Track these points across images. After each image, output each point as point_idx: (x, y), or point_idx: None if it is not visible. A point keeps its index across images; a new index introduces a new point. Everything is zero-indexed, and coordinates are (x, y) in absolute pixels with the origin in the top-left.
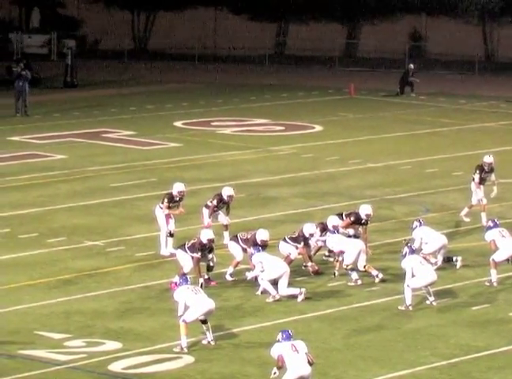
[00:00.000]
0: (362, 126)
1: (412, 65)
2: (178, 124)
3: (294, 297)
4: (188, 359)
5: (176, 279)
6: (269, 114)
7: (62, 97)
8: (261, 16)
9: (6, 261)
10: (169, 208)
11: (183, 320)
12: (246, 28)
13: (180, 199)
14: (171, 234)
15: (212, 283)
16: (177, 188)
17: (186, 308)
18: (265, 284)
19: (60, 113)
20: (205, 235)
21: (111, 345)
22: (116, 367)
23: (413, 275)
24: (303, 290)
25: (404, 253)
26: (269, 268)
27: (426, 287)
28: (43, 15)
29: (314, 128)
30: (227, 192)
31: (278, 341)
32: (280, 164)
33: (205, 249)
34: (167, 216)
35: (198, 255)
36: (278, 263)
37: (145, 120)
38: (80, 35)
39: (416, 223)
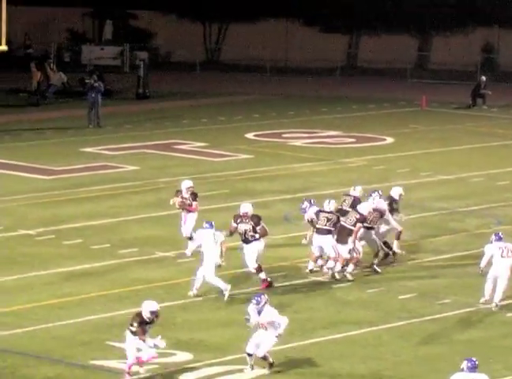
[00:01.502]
0: (433, 138)
1: (483, 78)
2: (250, 135)
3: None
4: (259, 372)
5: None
6: (340, 126)
7: (135, 109)
8: (333, 28)
9: (78, 272)
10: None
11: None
12: (317, 39)
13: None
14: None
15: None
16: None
17: None
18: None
19: (132, 124)
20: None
21: (182, 356)
22: (187, 378)
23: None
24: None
25: (491, 239)
26: None
27: (496, 281)
28: (116, 27)
29: (385, 140)
30: None
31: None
32: (352, 176)
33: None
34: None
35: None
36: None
37: (217, 131)
38: (153, 46)
39: (492, 237)
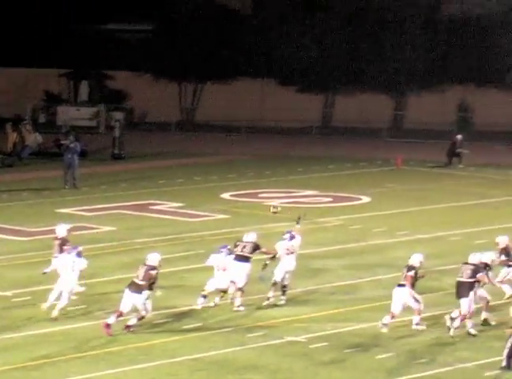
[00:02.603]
0: (410, 197)
1: (459, 136)
2: (226, 195)
3: None
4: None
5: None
6: (316, 186)
7: (110, 169)
8: (308, 87)
9: (54, 333)
10: None
11: None
12: (293, 99)
13: None
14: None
15: None
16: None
17: None
18: None
19: (108, 185)
20: None
21: None
22: None
23: None
24: None
25: None
26: None
27: None
28: (92, 87)
29: (361, 199)
30: None
31: None
32: (328, 236)
33: None
34: None
35: None
36: None
37: (193, 191)
38: (128, 107)
39: None
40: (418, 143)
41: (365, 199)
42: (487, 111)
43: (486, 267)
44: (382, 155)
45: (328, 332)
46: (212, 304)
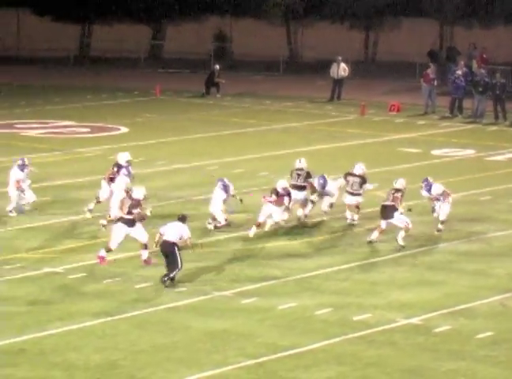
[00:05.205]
0: (168, 128)
1: (217, 66)
2: None
3: None
4: None
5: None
6: (74, 116)
7: None
8: (65, 17)
9: None
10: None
11: None
12: (49, 29)
13: None
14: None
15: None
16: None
17: None
18: None
19: None
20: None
21: None
22: None
23: None
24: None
25: None
26: None
27: None
28: None
29: (119, 129)
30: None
31: None
32: (86, 166)
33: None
34: None
35: None
36: None
37: None
38: None
39: None
40: (176, 73)
41: (123, 129)
42: (244, 41)
43: None
44: (140, 85)
45: (86, 263)
46: None
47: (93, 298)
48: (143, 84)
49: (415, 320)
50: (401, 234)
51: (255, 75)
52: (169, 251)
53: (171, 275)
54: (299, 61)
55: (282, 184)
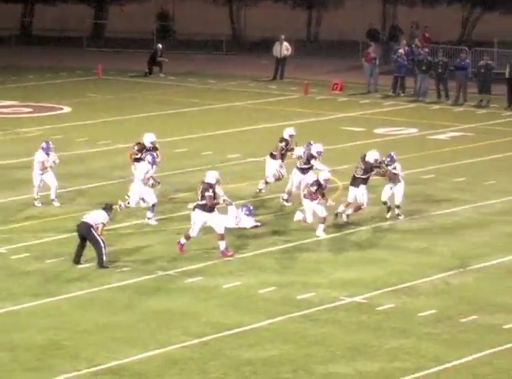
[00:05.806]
0: (110, 107)
1: (160, 46)
2: None
3: None
4: None
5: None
6: (16, 96)
7: None
8: None
9: None
10: None
11: None
12: None
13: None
14: None
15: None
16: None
17: None
18: None
19: None
20: None
21: None
22: None
23: None
24: None
25: None
26: None
27: None
28: None
29: (62, 109)
30: None
31: None
32: (29, 146)
33: None
34: None
35: None
36: None
37: None
38: None
39: None
40: (119, 52)
41: (66, 109)
42: (187, 20)
43: None
44: (82, 64)
45: (29, 243)
46: None
47: (36, 278)
48: (86, 63)
49: (358, 299)
50: (349, 211)
51: (198, 54)
52: (86, 233)
53: (103, 257)
54: (242, 40)
55: (325, 175)
